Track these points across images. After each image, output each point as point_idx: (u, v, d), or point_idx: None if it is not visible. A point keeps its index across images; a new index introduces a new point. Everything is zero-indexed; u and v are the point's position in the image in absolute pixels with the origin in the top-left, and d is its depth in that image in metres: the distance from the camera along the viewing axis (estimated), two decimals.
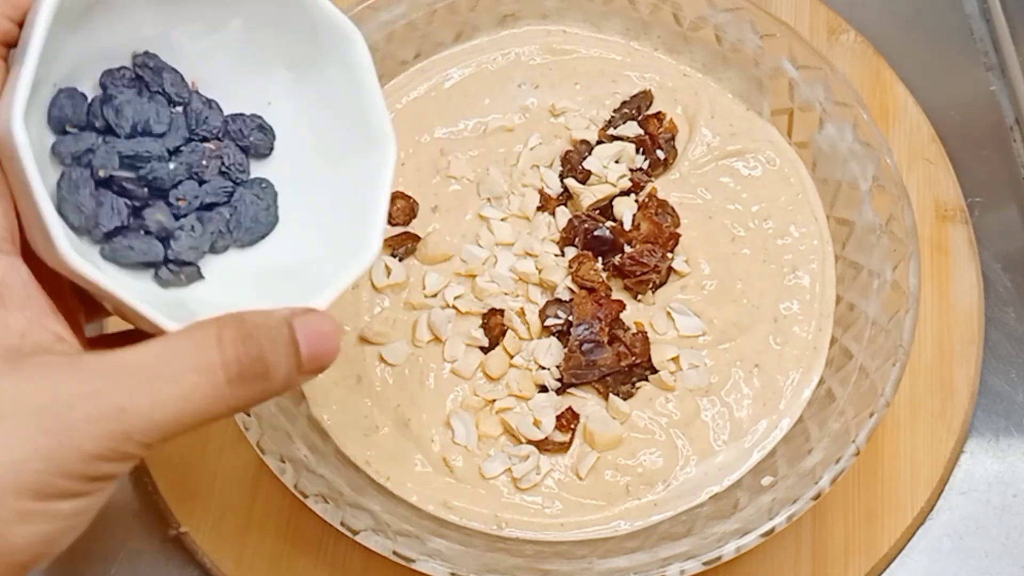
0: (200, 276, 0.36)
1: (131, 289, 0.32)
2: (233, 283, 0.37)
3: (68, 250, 0.31)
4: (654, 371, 0.52)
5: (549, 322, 0.52)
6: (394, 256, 0.55)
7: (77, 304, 0.35)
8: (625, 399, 0.52)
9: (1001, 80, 0.67)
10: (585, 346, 0.51)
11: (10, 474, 0.28)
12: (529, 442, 0.51)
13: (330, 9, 0.37)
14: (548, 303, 0.53)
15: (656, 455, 0.51)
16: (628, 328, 0.53)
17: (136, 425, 0.29)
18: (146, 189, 0.35)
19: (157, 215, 0.35)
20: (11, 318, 0.30)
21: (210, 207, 0.37)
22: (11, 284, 0.31)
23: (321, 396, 0.52)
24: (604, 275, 0.54)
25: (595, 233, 0.54)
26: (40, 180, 0.31)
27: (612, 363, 0.51)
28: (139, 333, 0.33)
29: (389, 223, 0.56)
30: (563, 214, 0.56)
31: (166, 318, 0.32)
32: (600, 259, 0.54)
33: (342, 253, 0.36)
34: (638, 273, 0.53)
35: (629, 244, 0.54)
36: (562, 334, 0.52)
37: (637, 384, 0.53)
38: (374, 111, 0.38)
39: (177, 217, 0.36)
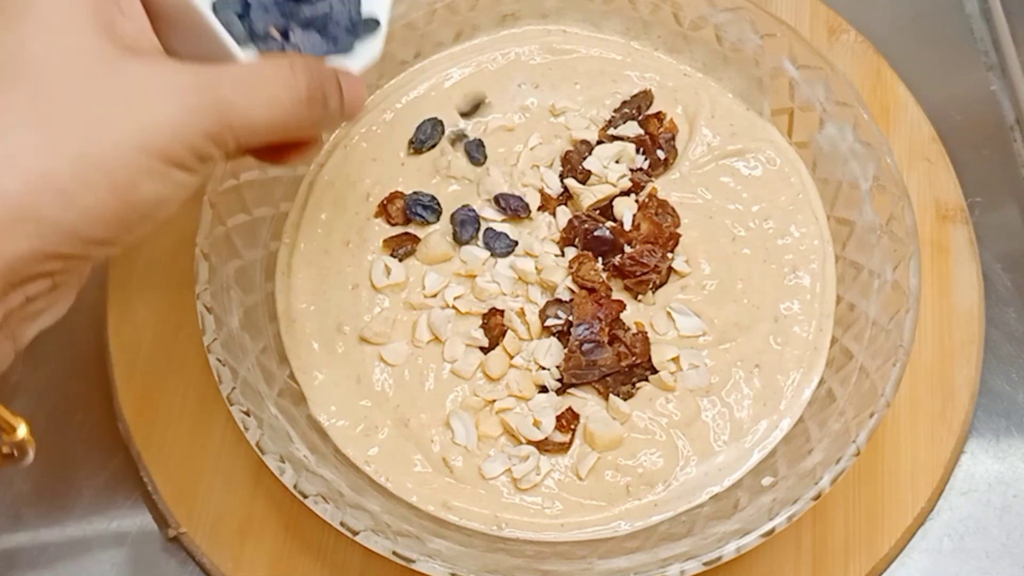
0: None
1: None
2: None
3: None
4: (654, 371, 0.52)
5: (549, 322, 0.52)
6: (394, 256, 0.55)
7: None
8: (625, 399, 0.52)
9: (1002, 80, 0.67)
10: (585, 346, 0.51)
11: (147, 135, 0.34)
12: (529, 442, 0.51)
13: None
14: (548, 303, 0.53)
15: (656, 455, 0.51)
16: (628, 328, 0.53)
17: (237, 119, 0.36)
18: None
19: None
20: (127, 26, 0.36)
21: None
22: None
23: (321, 396, 0.52)
24: (604, 275, 0.54)
25: (595, 233, 0.54)
26: None
27: (612, 363, 0.51)
28: None
29: (388, 223, 0.56)
30: (563, 214, 0.56)
31: (240, 50, 0.38)
32: (600, 259, 0.54)
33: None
34: (638, 273, 0.53)
35: (629, 244, 0.54)
36: (562, 334, 0.52)
37: (637, 384, 0.52)
38: None
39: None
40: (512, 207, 0.55)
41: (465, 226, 0.55)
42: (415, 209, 0.55)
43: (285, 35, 0.41)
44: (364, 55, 0.43)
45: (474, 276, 0.54)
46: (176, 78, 0.35)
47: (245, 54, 0.39)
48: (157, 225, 0.36)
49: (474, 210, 0.56)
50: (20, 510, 0.55)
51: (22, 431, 0.35)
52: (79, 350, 0.58)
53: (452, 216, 0.55)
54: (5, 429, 0.35)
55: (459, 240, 0.55)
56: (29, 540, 0.54)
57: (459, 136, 0.58)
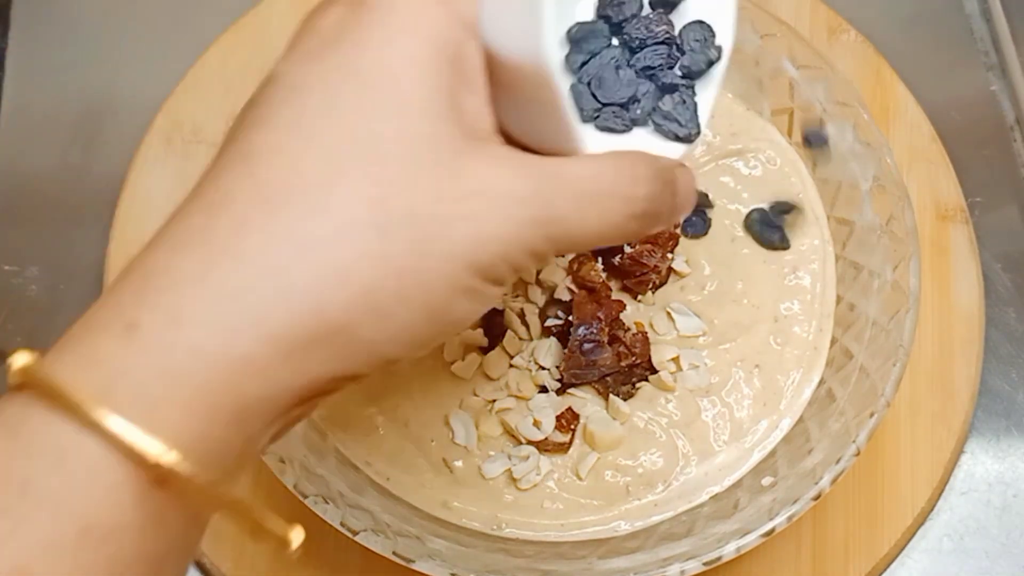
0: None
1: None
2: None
3: (552, 43, 0.31)
4: (654, 371, 0.52)
5: (549, 322, 0.52)
6: None
7: None
8: (625, 399, 0.52)
9: (1002, 80, 0.67)
10: (585, 346, 0.51)
11: (478, 251, 0.30)
12: (529, 443, 0.51)
13: None
14: (548, 303, 0.53)
15: (656, 455, 0.51)
16: (628, 328, 0.53)
17: (563, 234, 0.31)
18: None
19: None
20: (471, 100, 0.31)
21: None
22: (472, 66, 0.32)
23: None
24: (604, 275, 0.54)
25: None
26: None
27: (612, 363, 0.51)
28: None
29: None
30: None
31: (585, 137, 0.33)
32: (600, 259, 0.54)
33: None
34: (638, 273, 0.53)
35: (629, 244, 0.54)
36: (562, 334, 0.52)
37: (637, 384, 0.52)
38: None
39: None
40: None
41: None
42: None
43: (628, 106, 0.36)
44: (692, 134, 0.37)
45: None
46: (515, 184, 0.30)
47: (589, 140, 0.34)
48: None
49: None
50: None
51: (297, 540, 0.29)
52: None
53: None
54: (280, 543, 0.29)
55: None
56: None
57: None
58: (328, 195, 0.28)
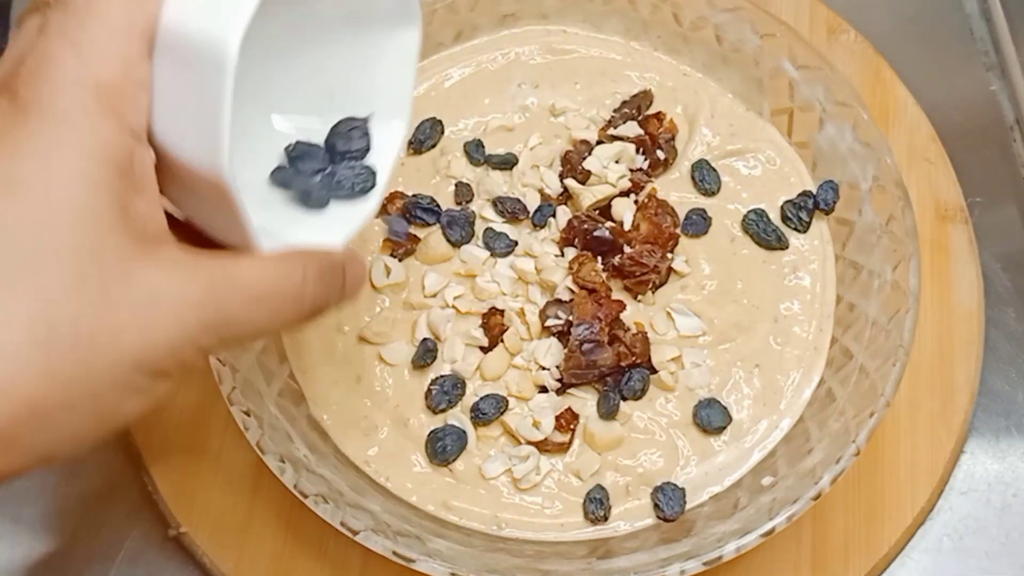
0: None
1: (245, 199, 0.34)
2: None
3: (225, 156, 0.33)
4: (654, 371, 0.52)
5: (549, 322, 0.52)
6: (393, 256, 0.55)
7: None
8: (636, 400, 0.52)
9: (1001, 80, 0.67)
10: (585, 346, 0.51)
11: (144, 354, 0.31)
12: (528, 443, 0.51)
13: None
14: (548, 303, 0.53)
15: (656, 455, 0.51)
16: (628, 328, 0.53)
17: (232, 333, 0.34)
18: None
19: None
20: (141, 206, 0.33)
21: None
22: (142, 172, 0.33)
23: (321, 396, 0.52)
24: (604, 275, 0.54)
25: (595, 234, 0.54)
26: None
27: (612, 363, 0.51)
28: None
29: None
30: (564, 213, 0.56)
31: (260, 238, 0.35)
32: (600, 259, 0.54)
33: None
34: (638, 273, 0.53)
35: (629, 244, 0.54)
36: (562, 334, 0.52)
37: (642, 387, 0.52)
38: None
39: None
40: (510, 210, 0.55)
41: (453, 227, 0.55)
42: (415, 212, 0.55)
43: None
44: (355, 218, 0.41)
45: (474, 276, 0.54)
46: (187, 290, 0.32)
47: (264, 241, 0.35)
48: None
49: (462, 210, 0.56)
50: (20, 510, 0.54)
51: None
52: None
53: (439, 217, 0.55)
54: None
55: (450, 241, 0.55)
56: (29, 540, 0.54)
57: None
58: None
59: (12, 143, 0.31)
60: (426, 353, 0.52)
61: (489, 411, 0.51)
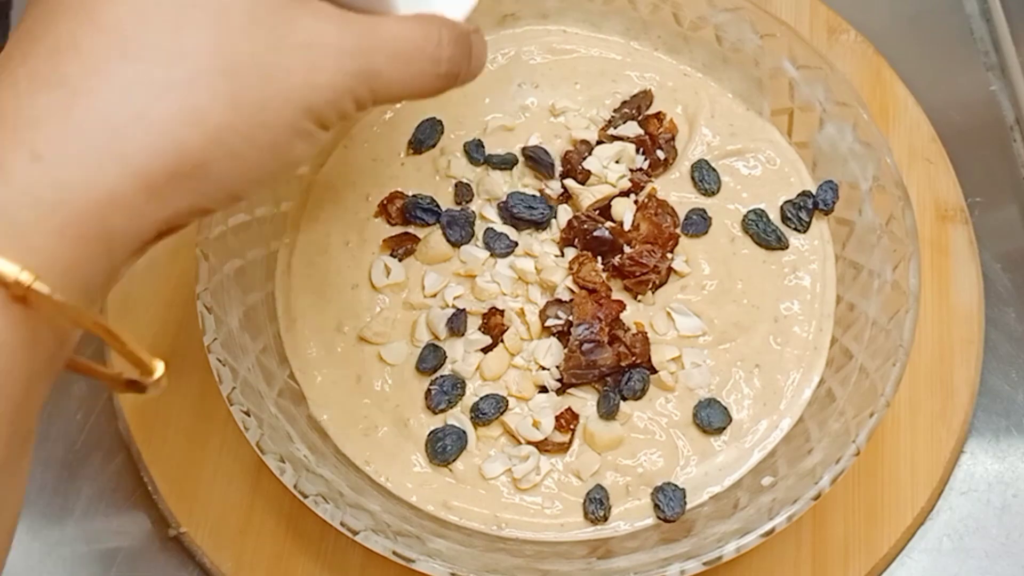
0: None
1: None
2: None
3: None
4: (654, 371, 0.52)
5: (550, 323, 0.52)
6: (394, 256, 0.55)
7: None
8: (637, 400, 0.52)
9: (1001, 80, 0.67)
10: (585, 346, 0.51)
11: (309, 97, 0.33)
12: (528, 443, 0.51)
13: None
14: (548, 304, 0.53)
15: (656, 455, 0.51)
16: (628, 328, 0.53)
17: (379, 88, 0.35)
18: None
19: None
20: None
21: None
22: None
23: (320, 396, 0.52)
24: (604, 275, 0.54)
25: (595, 234, 0.54)
26: None
27: (612, 363, 0.51)
28: None
29: (388, 223, 0.56)
30: (564, 212, 0.56)
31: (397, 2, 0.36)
32: (600, 259, 0.54)
33: None
34: (637, 274, 0.53)
35: (628, 245, 0.54)
36: (562, 334, 0.52)
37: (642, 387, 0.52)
38: None
39: None
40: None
41: (453, 227, 0.55)
42: (414, 212, 0.55)
43: None
44: None
45: (474, 276, 0.54)
46: (340, 40, 0.34)
47: (400, 4, 0.37)
48: None
49: (462, 210, 0.56)
50: (20, 509, 0.54)
51: (160, 371, 0.34)
52: (78, 350, 0.58)
53: (439, 217, 0.55)
54: (142, 369, 0.34)
55: (450, 241, 0.55)
56: (29, 539, 0.54)
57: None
58: (177, 42, 0.31)
59: None
60: (429, 356, 0.52)
61: (489, 411, 0.51)
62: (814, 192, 0.56)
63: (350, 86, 0.34)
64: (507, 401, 0.51)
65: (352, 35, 0.34)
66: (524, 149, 0.57)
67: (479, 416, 0.51)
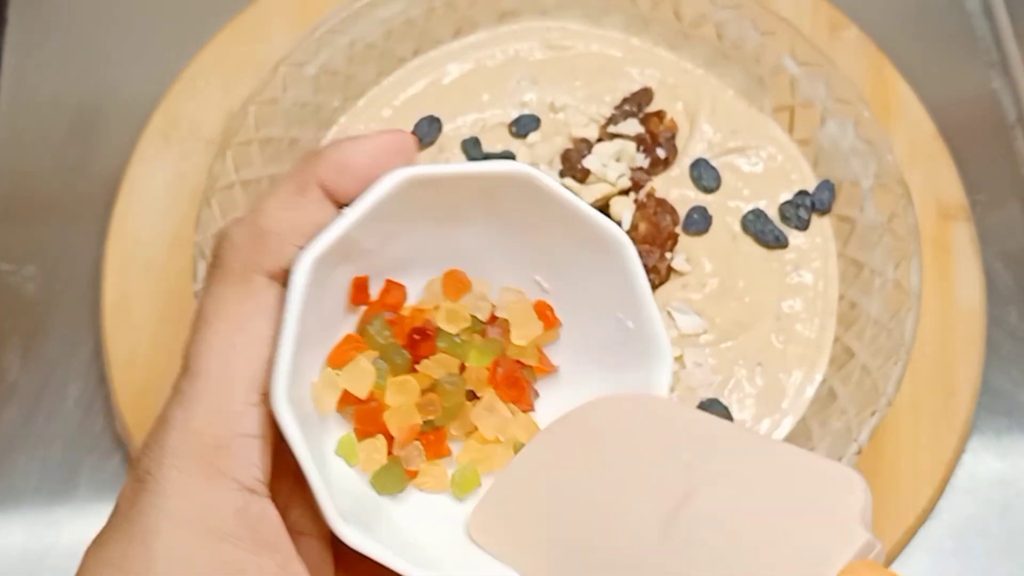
0: None
1: (397, 556, 0.32)
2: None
3: (336, 520, 0.31)
4: None
5: None
6: None
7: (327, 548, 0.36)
8: None
9: (1003, 77, 0.67)
10: None
11: None
12: None
13: (601, 219, 0.37)
14: None
15: None
16: None
17: None
18: None
19: None
20: (264, 562, 0.31)
21: None
22: (264, 527, 0.31)
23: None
24: None
25: None
26: (311, 463, 0.31)
27: None
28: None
29: None
30: None
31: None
32: None
33: None
34: None
35: None
36: None
37: None
38: (651, 323, 0.37)
39: None
40: None
41: None
42: None
43: None
44: None
45: None
46: None
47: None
48: None
49: None
50: (19, 509, 0.54)
51: None
52: (76, 350, 0.58)
53: None
54: None
55: None
56: (25, 539, 0.53)
57: None
58: None
59: (125, 523, 0.31)
60: None
61: None
62: (811, 192, 0.56)
63: None
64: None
65: None
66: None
67: None
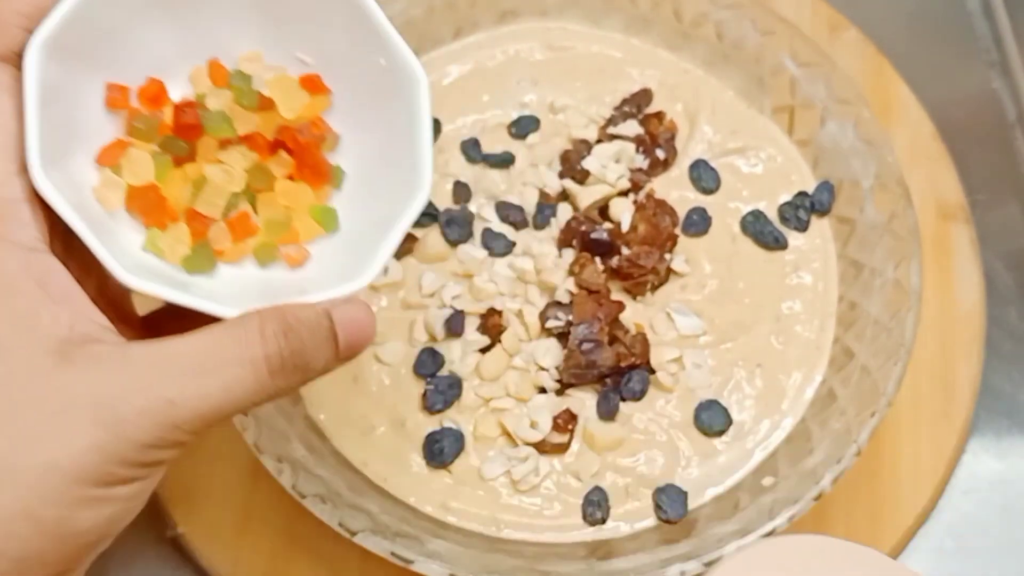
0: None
1: (176, 281, 0.33)
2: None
3: (118, 269, 0.32)
4: (653, 372, 0.52)
5: (550, 324, 0.52)
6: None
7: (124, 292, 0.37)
8: (636, 401, 0.52)
9: (1003, 78, 0.67)
10: (585, 345, 0.51)
11: (71, 464, 0.30)
12: (527, 444, 0.50)
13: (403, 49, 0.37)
14: (548, 305, 0.53)
15: (657, 456, 0.51)
16: (628, 330, 0.52)
17: (184, 416, 0.31)
18: None
19: None
20: (58, 310, 0.31)
21: None
22: (52, 280, 0.32)
23: (317, 396, 0.52)
24: (603, 276, 0.53)
25: (592, 236, 0.53)
26: (79, 220, 0.32)
27: (612, 364, 0.51)
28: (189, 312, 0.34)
29: None
30: (565, 212, 0.55)
31: (217, 304, 0.33)
32: (599, 260, 0.54)
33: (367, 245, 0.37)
34: (635, 275, 0.53)
35: (627, 246, 0.54)
36: (562, 336, 0.52)
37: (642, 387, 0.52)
38: (420, 158, 0.38)
39: None
40: (511, 220, 0.55)
41: (451, 226, 0.54)
42: None
43: None
44: (375, 252, 0.36)
45: (471, 276, 0.54)
46: (106, 388, 0.31)
47: (227, 310, 0.33)
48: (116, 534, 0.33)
49: (460, 209, 0.55)
50: None
51: None
52: None
53: (437, 216, 0.55)
54: None
55: (449, 240, 0.54)
56: None
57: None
58: None
59: None
60: (427, 361, 0.52)
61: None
62: (810, 193, 0.56)
63: (131, 434, 0.31)
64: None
65: (126, 375, 0.31)
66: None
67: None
